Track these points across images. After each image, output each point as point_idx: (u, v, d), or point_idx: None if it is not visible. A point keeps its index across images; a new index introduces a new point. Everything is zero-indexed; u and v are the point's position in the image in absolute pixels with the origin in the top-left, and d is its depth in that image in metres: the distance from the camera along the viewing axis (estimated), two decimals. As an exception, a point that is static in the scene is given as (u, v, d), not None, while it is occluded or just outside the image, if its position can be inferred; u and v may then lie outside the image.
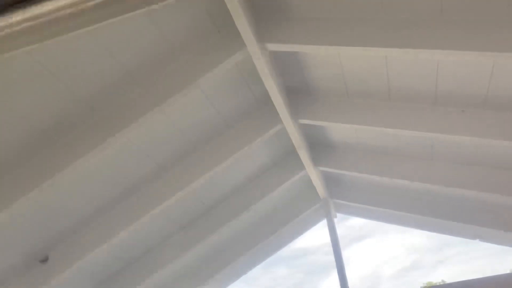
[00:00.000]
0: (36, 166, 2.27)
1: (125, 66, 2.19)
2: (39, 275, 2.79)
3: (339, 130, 3.33)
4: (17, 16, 1.20)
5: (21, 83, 1.96)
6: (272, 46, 2.31)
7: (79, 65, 2.06)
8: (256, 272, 4.53)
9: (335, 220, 4.20)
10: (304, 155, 3.30)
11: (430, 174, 3.26)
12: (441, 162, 3.20)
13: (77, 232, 2.86)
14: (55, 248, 2.83)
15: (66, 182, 2.45)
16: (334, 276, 3.82)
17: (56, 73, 2.00)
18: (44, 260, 2.81)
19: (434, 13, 2.03)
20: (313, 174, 3.60)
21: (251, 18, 2.15)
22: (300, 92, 2.92)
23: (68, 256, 2.86)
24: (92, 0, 1.16)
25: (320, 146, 3.54)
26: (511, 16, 1.90)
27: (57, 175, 2.26)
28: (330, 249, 3.92)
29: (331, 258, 3.88)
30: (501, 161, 2.96)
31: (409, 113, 2.68)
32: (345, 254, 3.97)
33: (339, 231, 4.08)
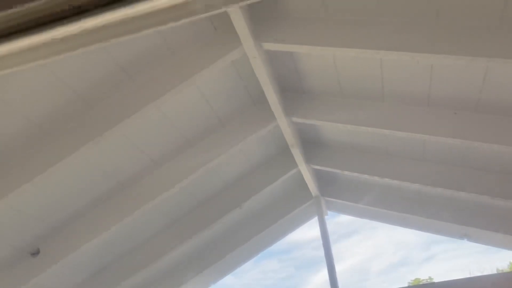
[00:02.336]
0: (29, 159, 2.26)
1: (120, 62, 2.19)
2: (30, 268, 2.79)
3: (332, 129, 3.36)
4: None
5: (16, 76, 1.95)
6: (268, 46, 2.32)
7: (74, 59, 2.05)
8: (246, 265, 4.59)
9: (326, 217, 4.24)
10: (297, 153, 3.32)
11: (420, 174, 3.30)
12: (432, 163, 3.25)
13: (69, 225, 2.86)
14: (46, 241, 2.83)
15: (59, 176, 2.46)
16: (324, 271, 3.87)
17: (51, 66, 1.99)
18: (35, 253, 2.81)
19: (429, 17, 2.05)
20: (306, 172, 3.63)
21: (248, 17, 2.15)
22: (294, 90, 2.93)
23: (59, 249, 2.86)
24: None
25: (313, 144, 3.57)
26: (504, 22, 1.93)
27: (50, 169, 2.26)
28: (320, 243, 3.97)
29: (321, 252, 3.94)
30: (490, 164, 3.01)
31: (402, 114, 2.71)
32: (335, 250, 4.02)
33: (329, 227, 4.12)
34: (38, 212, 2.67)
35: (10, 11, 1.00)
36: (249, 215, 4.10)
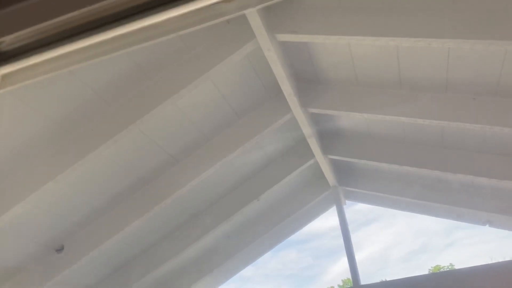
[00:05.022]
0: (51, 158, 2.31)
1: (136, 59, 2.21)
2: (55, 264, 2.87)
3: (349, 118, 3.33)
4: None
5: (35, 78, 1.99)
6: (282, 37, 2.31)
7: (92, 59, 2.08)
8: (265, 256, 4.64)
9: (344, 206, 4.24)
10: (313, 143, 3.32)
11: (439, 161, 3.27)
12: (451, 149, 3.21)
13: (92, 222, 2.92)
14: (70, 238, 2.90)
15: (81, 174, 2.51)
16: (343, 260, 3.87)
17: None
18: (60, 249, 2.88)
19: (445, 2, 2.01)
20: (323, 162, 3.62)
21: (261, 9, 2.14)
22: (309, 81, 2.92)
23: (82, 245, 2.93)
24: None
25: (329, 134, 3.56)
26: (523, 4, 1.88)
27: (72, 167, 2.31)
28: (338, 233, 3.97)
29: (340, 242, 3.94)
30: (511, 149, 2.95)
31: (419, 101, 2.67)
32: (354, 238, 4.02)
33: (348, 216, 4.12)
34: (62, 209, 2.73)
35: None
36: (267, 207, 4.12)
